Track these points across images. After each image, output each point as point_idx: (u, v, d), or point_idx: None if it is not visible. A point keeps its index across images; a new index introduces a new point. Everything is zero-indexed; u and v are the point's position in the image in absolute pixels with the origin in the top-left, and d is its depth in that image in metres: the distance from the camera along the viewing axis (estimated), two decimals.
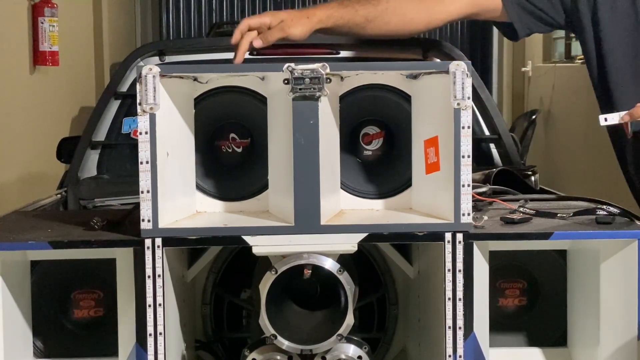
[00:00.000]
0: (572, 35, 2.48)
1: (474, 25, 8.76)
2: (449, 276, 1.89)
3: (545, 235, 1.92)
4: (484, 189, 2.25)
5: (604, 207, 2.05)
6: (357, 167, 2.08)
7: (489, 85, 8.58)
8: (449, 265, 1.89)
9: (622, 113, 2.12)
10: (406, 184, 2.04)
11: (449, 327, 1.90)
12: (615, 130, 2.42)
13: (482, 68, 8.56)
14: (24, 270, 2.02)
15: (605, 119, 2.13)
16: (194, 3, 8.84)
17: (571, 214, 2.04)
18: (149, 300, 1.88)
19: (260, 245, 1.90)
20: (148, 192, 1.86)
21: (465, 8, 2.44)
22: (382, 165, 2.07)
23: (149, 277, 1.87)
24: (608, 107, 2.39)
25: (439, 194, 1.92)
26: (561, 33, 7.23)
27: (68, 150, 3.70)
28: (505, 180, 2.53)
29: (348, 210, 2.03)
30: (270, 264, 1.95)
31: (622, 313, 1.93)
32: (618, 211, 2.02)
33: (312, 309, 2.04)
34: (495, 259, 2.00)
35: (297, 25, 2.23)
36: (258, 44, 2.19)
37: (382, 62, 3.31)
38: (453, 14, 2.44)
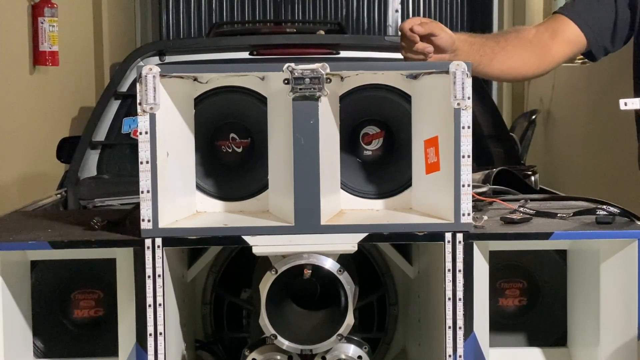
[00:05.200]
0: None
1: (473, 25, 8.76)
2: (449, 276, 1.89)
3: (545, 235, 1.92)
4: (484, 189, 2.25)
5: (604, 207, 2.05)
6: (357, 167, 2.08)
7: (489, 85, 8.57)
8: (449, 265, 1.89)
9: None
10: (406, 184, 2.04)
11: (449, 327, 1.90)
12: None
13: None
14: (24, 270, 2.02)
15: (625, 104, 2.12)
16: (194, 3, 8.84)
17: (571, 214, 2.04)
18: (149, 300, 1.88)
19: (260, 245, 1.90)
20: (148, 192, 1.86)
21: (566, 51, 2.46)
22: (382, 165, 2.07)
23: (149, 277, 1.87)
24: None
25: (439, 194, 1.92)
26: None
27: (68, 150, 3.70)
28: (505, 180, 2.53)
29: (348, 210, 2.03)
30: (270, 264, 1.95)
31: (622, 313, 1.93)
32: (618, 211, 2.02)
33: (312, 309, 2.04)
34: (495, 259, 2.00)
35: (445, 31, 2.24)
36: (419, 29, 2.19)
37: (382, 62, 3.32)
38: (562, 56, 2.46)
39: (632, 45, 2.46)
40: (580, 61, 6.94)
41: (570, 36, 2.42)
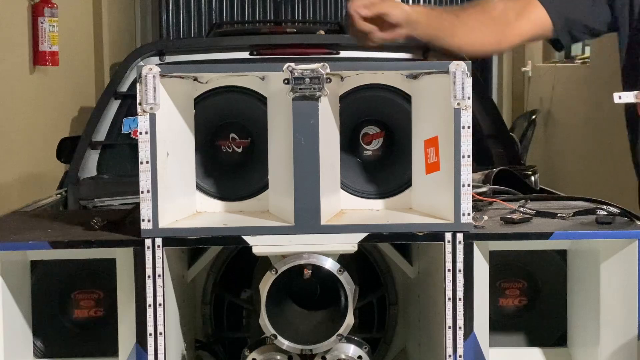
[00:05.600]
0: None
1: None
2: (449, 276, 1.89)
3: (545, 235, 1.92)
4: (484, 189, 2.25)
5: (604, 207, 2.05)
6: (357, 167, 2.08)
7: (489, 85, 8.58)
8: (449, 265, 1.89)
9: (637, 92, 2.11)
10: (406, 184, 2.04)
11: (449, 327, 1.90)
12: (631, 113, 2.42)
13: (482, 68, 8.55)
14: (24, 270, 2.02)
15: (620, 97, 2.12)
16: (194, 3, 8.84)
17: (571, 214, 2.04)
18: (149, 300, 1.88)
19: (260, 245, 1.90)
20: (148, 192, 1.86)
21: (529, 32, 2.46)
22: (382, 165, 2.07)
23: (149, 277, 1.87)
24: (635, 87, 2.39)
25: (439, 194, 1.92)
26: None
27: (68, 150, 3.70)
28: (505, 180, 2.53)
29: (348, 210, 2.03)
30: (270, 264, 1.95)
31: (622, 313, 1.93)
32: (618, 211, 2.02)
33: (312, 309, 2.04)
34: (495, 259, 2.00)
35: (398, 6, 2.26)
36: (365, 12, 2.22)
37: (382, 62, 3.32)
38: (524, 36, 2.46)
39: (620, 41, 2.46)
40: (580, 61, 6.94)
41: (536, 19, 2.42)
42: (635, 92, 2.12)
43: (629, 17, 2.41)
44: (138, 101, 1.86)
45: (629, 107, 2.38)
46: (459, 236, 1.89)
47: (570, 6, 2.43)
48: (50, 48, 5.12)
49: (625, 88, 2.44)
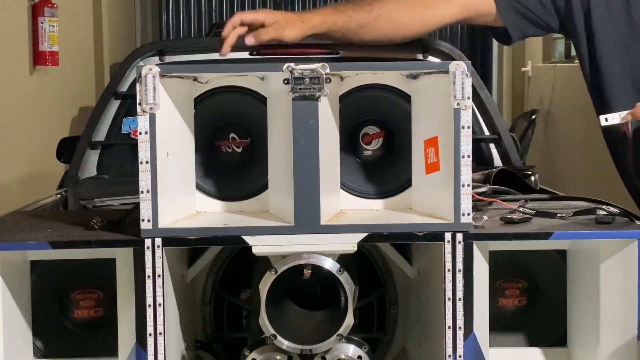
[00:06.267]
0: (566, 38, 2.52)
1: (472, 27, 8.76)
2: (448, 276, 1.89)
3: (545, 235, 1.92)
4: (484, 189, 2.25)
5: (604, 207, 2.05)
6: (357, 167, 2.08)
7: (489, 85, 8.57)
8: (448, 265, 1.89)
9: (623, 113, 2.12)
10: (406, 184, 2.04)
11: (449, 327, 1.90)
12: (612, 135, 2.42)
13: (482, 68, 8.56)
14: (24, 270, 2.02)
15: (606, 119, 2.14)
16: (194, 3, 8.84)
17: (571, 214, 2.03)
18: (149, 300, 1.88)
19: (260, 245, 1.90)
20: (148, 192, 1.86)
21: (459, 13, 2.45)
22: (382, 165, 2.07)
23: (149, 277, 1.87)
24: (603, 108, 2.39)
25: (439, 194, 1.92)
26: None
27: (68, 150, 3.70)
28: (505, 180, 2.53)
29: (348, 210, 2.03)
30: (270, 264, 1.95)
31: (622, 313, 1.93)
32: (618, 211, 2.02)
33: (312, 309, 2.04)
34: (495, 259, 2.00)
35: (291, 27, 2.25)
36: (250, 40, 2.22)
37: (382, 62, 3.32)
38: (446, 19, 2.44)
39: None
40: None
41: (475, 6, 2.41)
42: (622, 113, 2.13)
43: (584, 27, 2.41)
44: (138, 101, 1.86)
45: (611, 134, 2.38)
46: (459, 236, 1.89)
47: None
48: (50, 48, 5.11)
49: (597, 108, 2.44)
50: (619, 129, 2.30)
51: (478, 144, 3.31)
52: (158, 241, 1.88)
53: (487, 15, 2.45)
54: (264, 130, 1.99)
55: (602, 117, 2.14)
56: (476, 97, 3.25)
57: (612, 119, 2.13)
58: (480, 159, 3.26)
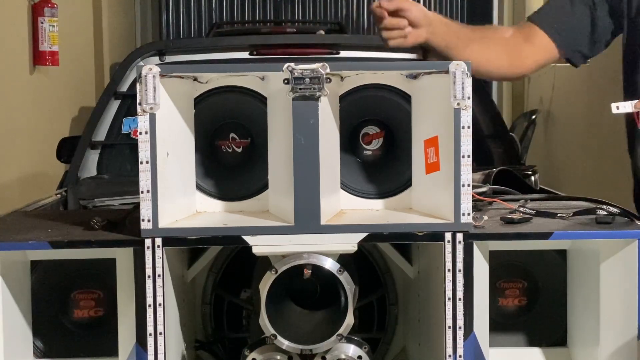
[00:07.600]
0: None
1: (473, 25, 8.75)
2: (449, 276, 1.89)
3: (545, 235, 1.92)
4: (484, 189, 2.25)
5: (604, 207, 2.05)
6: (357, 167, 2.08)
7: (489, 85, 8.57)
8: (449, 265, 1.89)
9: (635, 101, 2.11)
10: (406, 184, 2.04)
11: (449, 327, 1.90)
12: (631, 121, 2.42)
13: None
14: (24, 270, 2.02)
15: (617, 107, 2.12)
16: (194, 3, 8.84)
17: (571, 214, 2.04)
18: (149, 300, 1.88)
19: (260, 245, 1.90)
20: (148, 192, 1.86)
21: (538, 57, 2.46)
22: (382, 165, 2.07)
23: (149, 277, 1.87)
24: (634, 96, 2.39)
25: (439, 194, 1.92)
26: None
27: (68, 150, 3.71)
28: (505, 180, 2.53)
29: (348, 210, 2.03)
30: (270, 264, 1.95)
31: (622, 313, 1.93)
32: (618, 211, 2.02)
33: (312, 309, 2.04)
34: (495, 259, 2.00)
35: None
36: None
37: (382, 62, 3.32)
38: (539, 61, 2.45)
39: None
40: None
41: (540, 43, 2.42)
42: (634, 101, 2.12)
43: (627, 14, 2.41)
44: (138, 101, 1.86)
45: (628, 117, 2.38)
46: (459, 236, 1.89)
47: (569, 29, 2.42)
48: (50, 48, 5.12)
49: (626, 94, 2.43)
50: (630, 117, 2.30)
51: (478, 144, 3.32)
52: (158, 241, 1.88)
53: (555, 55, 2.46)
54: (264, 130, 1.99)
55: (613, 105, 2.12)
56: (476, 97, 3.25)
57: (623, 107, 2.12)
58: (480, 159, 3.26)
